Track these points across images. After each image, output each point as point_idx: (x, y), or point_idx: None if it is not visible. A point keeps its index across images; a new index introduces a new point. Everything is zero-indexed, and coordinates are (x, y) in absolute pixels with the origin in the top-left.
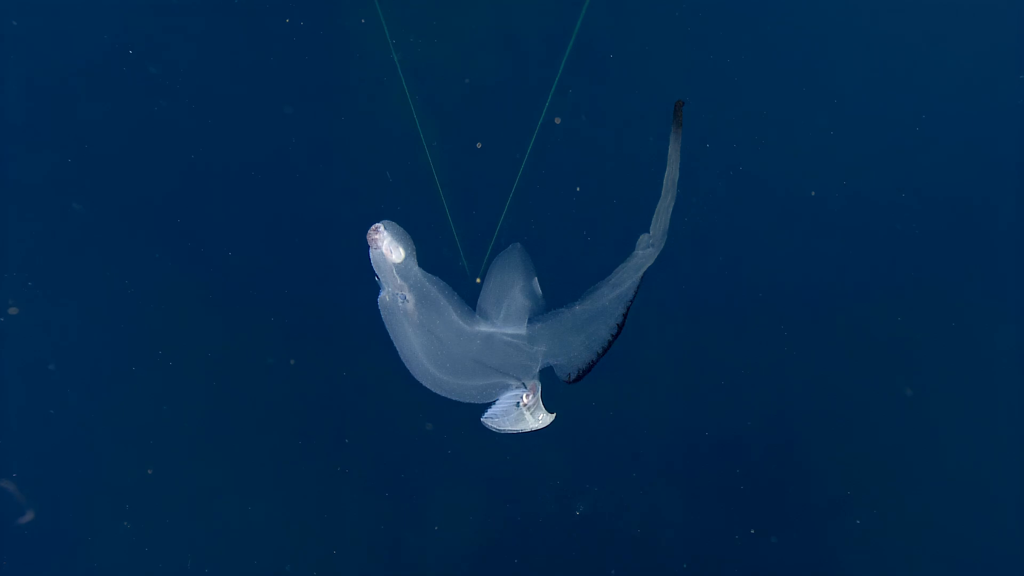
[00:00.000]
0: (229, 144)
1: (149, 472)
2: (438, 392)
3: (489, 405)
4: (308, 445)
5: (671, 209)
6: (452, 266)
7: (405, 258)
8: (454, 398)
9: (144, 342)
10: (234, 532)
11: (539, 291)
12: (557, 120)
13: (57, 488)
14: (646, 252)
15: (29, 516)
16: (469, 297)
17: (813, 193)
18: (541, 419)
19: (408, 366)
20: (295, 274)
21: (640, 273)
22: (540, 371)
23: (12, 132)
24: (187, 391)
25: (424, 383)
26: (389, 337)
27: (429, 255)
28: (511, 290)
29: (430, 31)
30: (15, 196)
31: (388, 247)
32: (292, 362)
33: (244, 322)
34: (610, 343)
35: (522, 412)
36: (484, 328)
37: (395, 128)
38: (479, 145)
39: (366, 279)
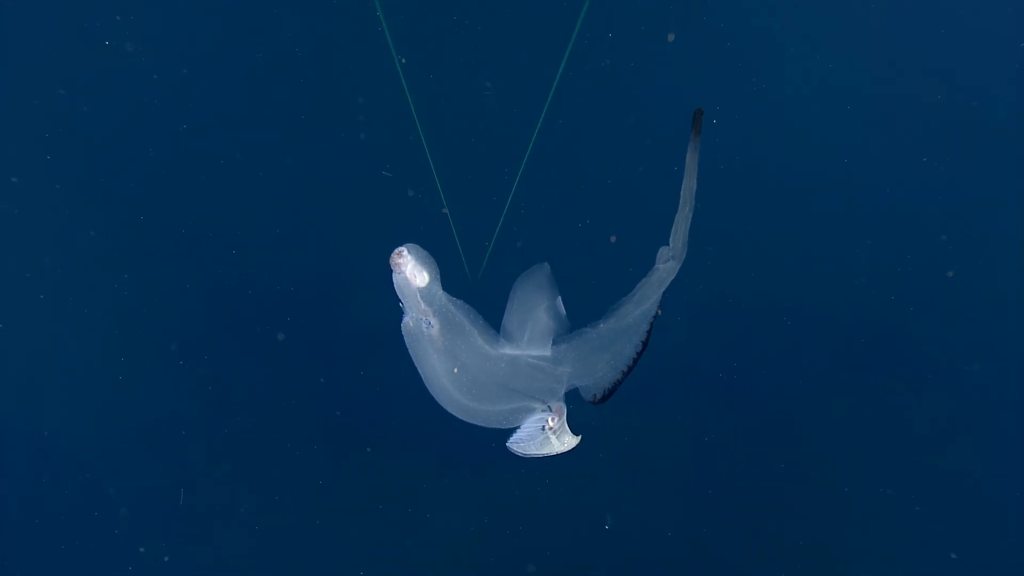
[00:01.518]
0: (225, 148)
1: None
2: (463, 418)
3: (514, 430)
4: (332, 469)
5: (690, 220)
6: (454, 270)
7: (429, 282)
8: (480, 424)
9: (152, 356)
10: (240, 539)
11: (563, 311)
12: (613, 239)
13: (58, 488)
14: (667, 265)
15: None
16: (492, 319)
17: (951, 273)
18: (567, 442)
19: (433, 393)
20: (299, 285)
21: (663, 288)
22: (565, 393)
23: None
24: (203, 414)
25: (449, 410)
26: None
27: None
28: (535, 311)
29: (431, 30)
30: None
31: (412, 271)
32: (327, 379)
33: (258, 343)
34: (635, 361)
35: (548, 436)
36: (508, 351)
37: (395, 129)
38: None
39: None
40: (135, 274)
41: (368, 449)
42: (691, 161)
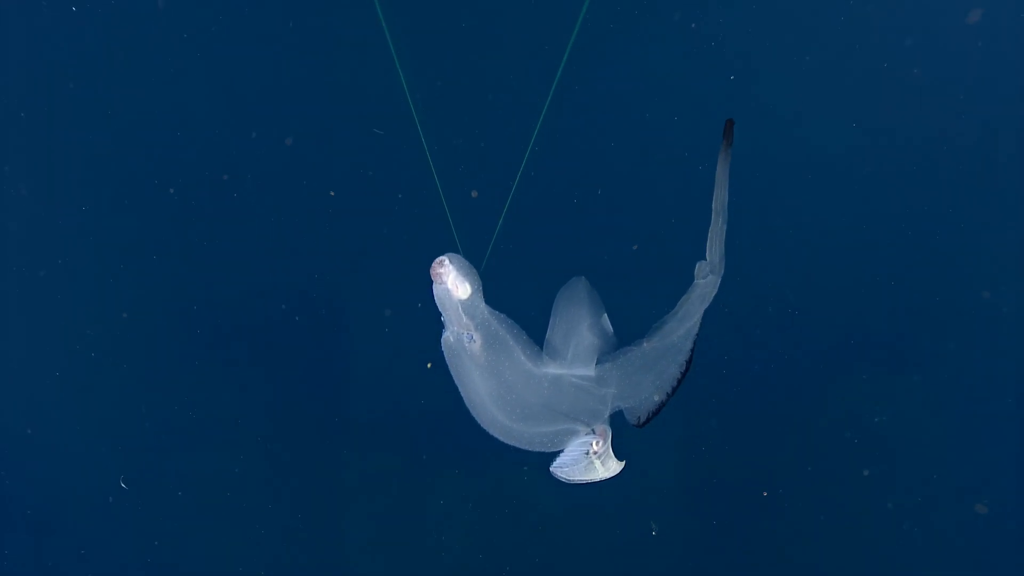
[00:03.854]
0: (222, 147)
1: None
2: (506, 441)
3: (558, 454)
4: (368, 495)
5: (724, 233)
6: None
7: (472, 294)
8: (523, 447)
9: (149, 358)
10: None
11: (610, 329)
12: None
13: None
14: (707, 280)
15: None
16: (536, 335)
17: (987, 294)
18: (611, 468)
19: (473, 413)
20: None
21: (706, 304)
22: (609, 416)
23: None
24: (201, 415)
25: (491, 431)
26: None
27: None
28: (579, 327)
29: (431, 30)
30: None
31: (454, 282)
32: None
33: (255, 342)
34: (679, 381)
35: (592, 461)
36: (552, 369)
37: (395, 129)
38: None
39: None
40: (128, 274)
41: (381, 452)
42: (722, 172)
